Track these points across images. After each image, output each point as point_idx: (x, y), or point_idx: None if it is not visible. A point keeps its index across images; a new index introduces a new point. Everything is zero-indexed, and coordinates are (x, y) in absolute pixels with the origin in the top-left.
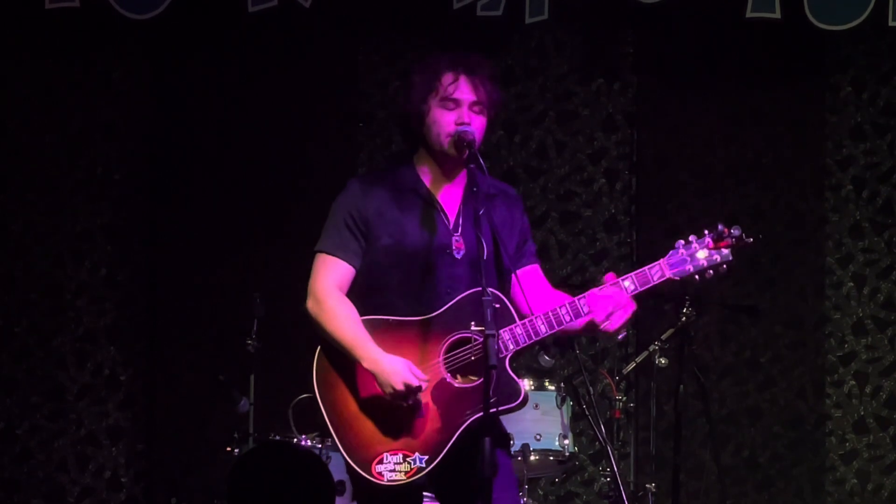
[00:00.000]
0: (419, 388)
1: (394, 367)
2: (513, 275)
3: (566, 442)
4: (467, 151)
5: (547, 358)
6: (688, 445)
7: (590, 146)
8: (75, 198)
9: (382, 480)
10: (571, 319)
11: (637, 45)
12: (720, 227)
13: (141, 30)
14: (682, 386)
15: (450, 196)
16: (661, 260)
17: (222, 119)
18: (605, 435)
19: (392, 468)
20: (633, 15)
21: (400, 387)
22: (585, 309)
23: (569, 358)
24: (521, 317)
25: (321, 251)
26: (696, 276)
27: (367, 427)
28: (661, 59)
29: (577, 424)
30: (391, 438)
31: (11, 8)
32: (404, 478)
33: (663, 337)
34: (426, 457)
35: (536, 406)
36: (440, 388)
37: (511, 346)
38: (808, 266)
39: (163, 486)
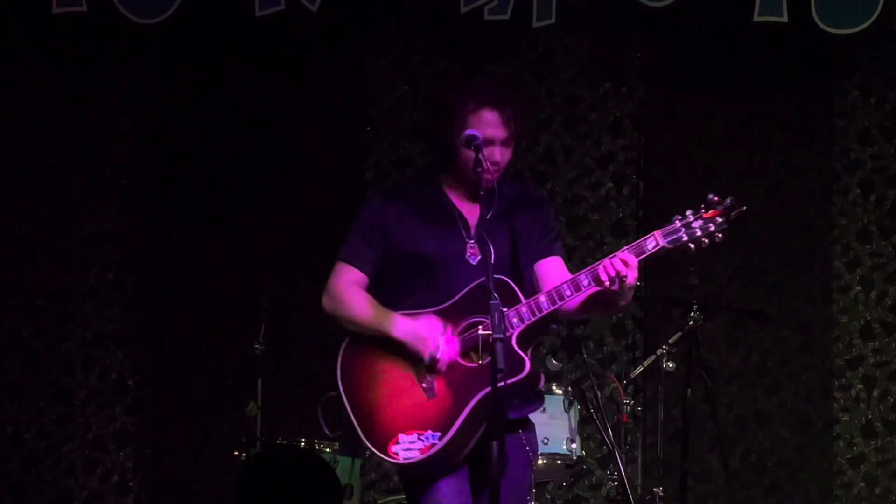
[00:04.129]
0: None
1: (425, 326)
2: (533, 267)
3: (574, 446)
4: (475, 156)
5: (554, 362)
6: (695, 449)
7: (597, 150)
8: (83, 202)
9: (399, 460)
10: (573, 294)
11: (644, 50)
12: (710, 196)
13: (148, 34)
14: (689, 390)
15: (470, 205)
16: (656, 231)
17: (229, 124)
18: (612, 439)
19: (407, 447)
20: (641, 19)
21: (433, 346)
22: (585, 282)
23: (576, 362)
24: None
25: (338, 259)
26: (692, 245)
27: (385, 413)
28: (668, 64)
29: (585, 428)
30: (406, 421)
31: (18, 12)
32: (419, 455)
33: (671, 341)
34: (438, 433)
35: (544, 410)
36: (452, 370)
37: (516, 322)
38: (815, 270)
39: (170, 491)
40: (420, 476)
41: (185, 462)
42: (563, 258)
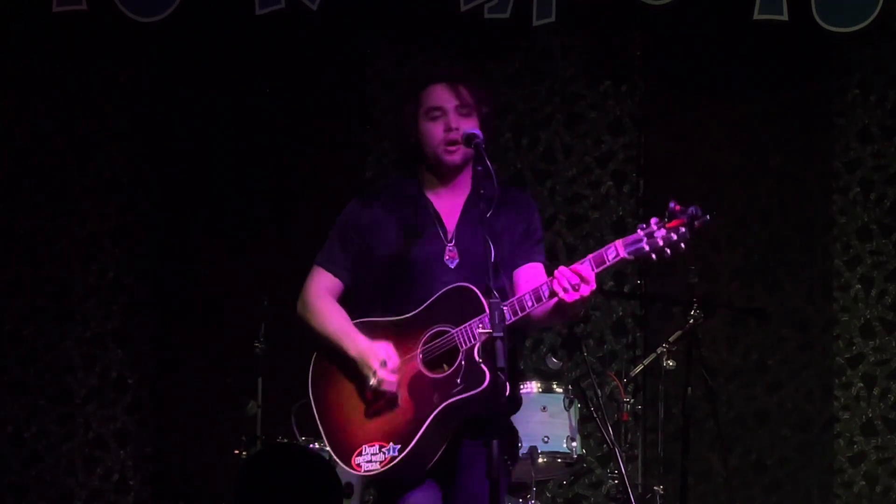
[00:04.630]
0: (393, 373)
1: (374, 351)
2: (512, 273)
3: (574, 444)
4: (473, 152)
5: (555, 360)
6: (696, 448)
7: (597, 149)
8: (83, 201)
9: (360, 471)
10: (534, 304)
11: (644, 48)
12: (671, 204)
13: (148, 33)
14: (689, 388)
15: (450, 206)
16: (618, 241)
17: (229, 122)
18: (612, 437)
19: (369, 459)
20: (641, 17)
21: (376, 367)
22: (547, 292)
23: (576, 360)
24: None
25: (315, 263)
26: (654, 256)
27: (350, 423)
28: (668, 62)
29: (585, 427)
30: (370, 432)
31: (19, 11)
32: (379, 467)
33: (671, 339)
34: (399, 445)
35: (544, 408)
36: (416, 380)
37: (478, 336)
38: (815, 268)
39: (170, 490)
40: (389, 487)
41: (185, 461)
42: (545, 264)
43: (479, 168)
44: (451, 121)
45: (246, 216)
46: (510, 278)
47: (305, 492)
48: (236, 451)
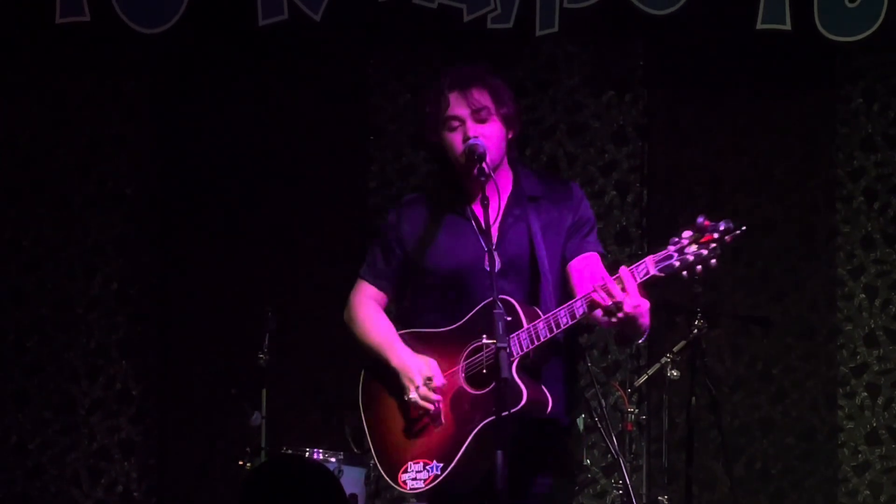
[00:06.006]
0: (437, 391)
1: (418, 366)
2: (568, 269)
3: None
4: (477, 166)
5: None
6: (700, 457)
7: (601, 158)
8: (86, 212)
9: (406, 489)
10: (570, 321)
11: (648, 57)
12: (700, 219)
13: (151, 44)
14: (694, 398)
15: (490, 210)
16: (648, 257)
17: (232, 133)
18: (617, 447)
19: (414, 476)
20: (644, 26)
21: (419, 383)
22: (581, 311)
23: (581, 370)
24: None
25: (359, 276)
26: (685, 272)
27: (396, 438)
28: (671, 71)
29: (589, 437)
30: (414, 448)
31: (22, 22)
32: (423, 485)
33: (675, 349)
34: (441, 464)
35: None
36: (458, 396)
37: (515, 352)
38: (819, 277)
39: (175, 501)
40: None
41: (189, 472)
42: (601, 254)
43: (483, 178)
44: (468, 129)
45: (249, 226)
46: (564, 273)
47: (310, 503)
48: (240, 463)
